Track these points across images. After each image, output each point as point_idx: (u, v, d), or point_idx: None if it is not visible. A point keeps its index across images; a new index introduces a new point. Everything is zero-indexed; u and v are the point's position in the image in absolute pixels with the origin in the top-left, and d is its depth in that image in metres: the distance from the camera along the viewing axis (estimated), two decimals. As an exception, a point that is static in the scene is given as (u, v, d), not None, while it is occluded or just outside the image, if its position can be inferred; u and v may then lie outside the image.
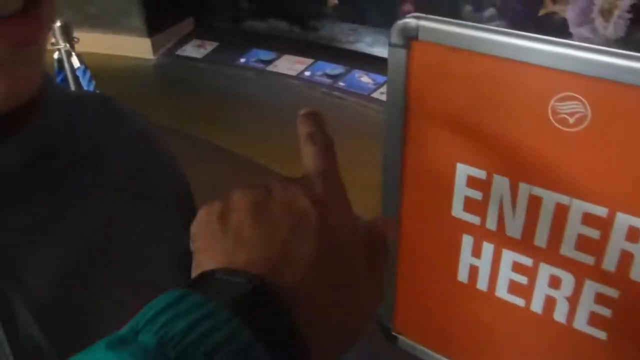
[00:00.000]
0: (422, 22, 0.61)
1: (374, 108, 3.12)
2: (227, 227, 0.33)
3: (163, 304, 0.27)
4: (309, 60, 3.58)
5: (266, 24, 3.95)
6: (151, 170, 0.51)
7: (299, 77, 3.46)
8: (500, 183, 0.65)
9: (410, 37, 0.63)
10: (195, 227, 0.35)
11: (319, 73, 3.47)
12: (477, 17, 3.44)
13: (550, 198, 0.62)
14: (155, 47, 3.77)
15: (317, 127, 0.40)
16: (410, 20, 0.63)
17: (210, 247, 0.33)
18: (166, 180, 0.53)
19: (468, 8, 3.47)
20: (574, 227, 0.62)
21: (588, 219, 0.61)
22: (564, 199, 0.62)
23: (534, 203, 0.64)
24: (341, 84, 3.33)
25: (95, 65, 3.61)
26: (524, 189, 0.64)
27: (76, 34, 3.47)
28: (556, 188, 0.62)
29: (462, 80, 0.62)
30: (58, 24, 2.03)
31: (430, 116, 0.67)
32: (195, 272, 0.33)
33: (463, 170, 0.67)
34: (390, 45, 0.65)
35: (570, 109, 0.57)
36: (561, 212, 0.62)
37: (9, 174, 0.38)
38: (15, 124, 0.38)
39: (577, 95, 0.56)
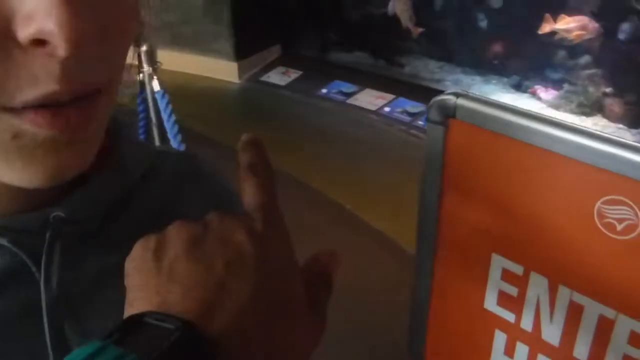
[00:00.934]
0: (460, 101, 0.56)
1: (452, 150, 3.03)
2: (162, 263, 0.32)
3: (81, 357, 0.27)
4: (390, 96, 3.54)
5: (351, 56, 3.96)
6: None
7: (378, 112, 3.43)
8: (538, 281, 0.58)
9: (448, 115, 0.58)
10: (129, 263, 0.34)
11: (399, 110, 3.43)
12: (571, 64, 3.30)
13: (594, 308, 0.55)
14: (241, 72, 3.87)
15: (259, 157, 0.39)
16: (448, 97, 0.58)
17: (143, 285, 0.32)
18: None
19: (562, 53, 3.33)
20: (619, 346, 0.54)
21: (636, 340, 0.53)
22: (610, 313, 0.54)
23: (575, 311, 0.56)
24: (420, 122, 3.27)
25: (183, 85, 3.77)
26: (564, 292, 0.57)
27: (168, 53, 3.66)
28: (601, 299, 0.54)
29: (500, 167, 0.56)
30: (144, 48, 2.11)
31: (466, 199, 0.61)
32: (126, 311, 0.32)
33: (498, 262, 0.61)
34: (429, 120, 0.60)
35: (619, 215, 0.50)
36: (605, 327, 0.55)
37: (82, 225, 0.39)
38: (87, 178, 0.40)
39: (626, 200, 0.49)
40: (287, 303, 0.33)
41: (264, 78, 3.84)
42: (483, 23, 3.50)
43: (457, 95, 0.56)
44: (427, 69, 3.70)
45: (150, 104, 2.16)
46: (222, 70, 3.83)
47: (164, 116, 2.02)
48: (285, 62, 3.96)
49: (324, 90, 3.64)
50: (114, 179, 0.42)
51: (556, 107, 3.19)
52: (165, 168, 0.48)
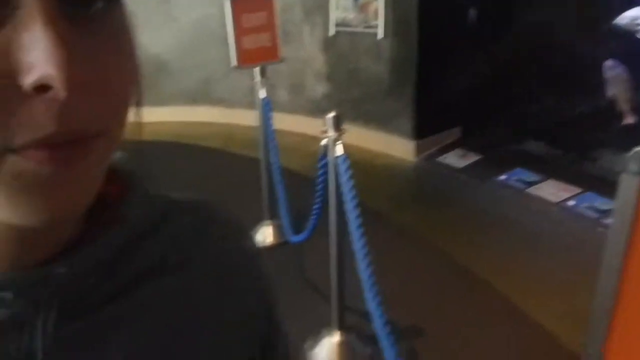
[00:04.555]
0: (667, 149, 0.51)
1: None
2: None
3: None
4: (577, 189, 3.31)
5: (536, 146, 3.80)
6: (235, 286, 0.50)
7: (561, 204, 3.22)
8: None
9: (649, 165, 0.52)
10: None
11: (585, 205, 3.19)
12: None
13: None
14: (418, 151, 3.90)
15: None
16: (652, 145, 0.52)
17: None
18: (249, 298, 0.51)
19: None
20: None
21: None
22: None
23: None
24: (610, 221, 2.98)
25: (360, 159, 3.86)
26: None
27: (351, 127, 3.76)
28: None
29: None
30: (332, 114, 2.22)
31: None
32: None
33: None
34: (625, 171, 0.55)
35: None
36: None
37: (82, 280, 0.40)
38: (92, 232, 0.41)
39: None
40: None
41: (441, 159, 3.83)
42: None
43: (662, 143, 0.51)
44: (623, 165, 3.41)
45: (331, 169, 2.24)
46: (400, 148, 3.92)
47: (343, 179, 2.09)
48: (465, 144, 3.92)
49: (503, 177, 3.52)
50: (119, 236, 0.43)
51: None
52: (175, 220, 0.48)
